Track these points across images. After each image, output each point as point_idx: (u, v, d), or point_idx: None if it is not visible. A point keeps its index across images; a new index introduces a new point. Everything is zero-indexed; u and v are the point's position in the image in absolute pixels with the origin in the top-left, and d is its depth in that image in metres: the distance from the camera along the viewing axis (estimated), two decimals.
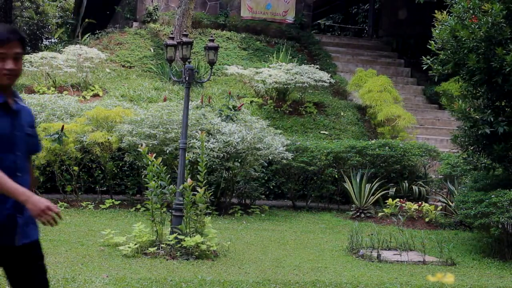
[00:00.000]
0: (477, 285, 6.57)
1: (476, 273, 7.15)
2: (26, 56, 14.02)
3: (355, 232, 8.03)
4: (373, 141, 11.72)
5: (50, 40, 32.71)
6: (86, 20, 20.45)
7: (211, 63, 8.20)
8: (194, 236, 7.15)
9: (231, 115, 11.09)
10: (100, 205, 10.05)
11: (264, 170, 11.23)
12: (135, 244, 7.10)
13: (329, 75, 14.46)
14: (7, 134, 3.21)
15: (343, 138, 13.10)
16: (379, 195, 10.85)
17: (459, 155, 9.66)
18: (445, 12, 8.21)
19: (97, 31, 18.10)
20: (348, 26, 30.08)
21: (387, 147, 11.37)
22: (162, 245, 7.17)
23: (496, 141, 7.90)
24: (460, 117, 8.29)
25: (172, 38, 8.48)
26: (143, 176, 9.31)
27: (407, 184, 11.32)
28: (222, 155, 9.85)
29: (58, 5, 29.99)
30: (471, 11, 7.75)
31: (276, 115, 13.71)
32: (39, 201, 3.10)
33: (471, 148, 8.37)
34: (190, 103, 9.91)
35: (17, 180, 3.18)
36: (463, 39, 7.64)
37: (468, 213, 7.97)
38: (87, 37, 17.89)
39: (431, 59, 8.29)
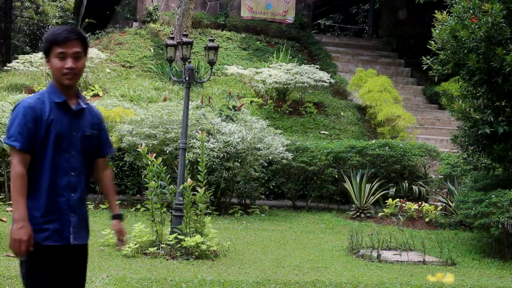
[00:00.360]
0: (477, 285, 6.57)
1: (476, 273, 7.15)
2: (26, 56, 14.06)
3: (355, 232, 8.02)
4: (373, 141, 11.72)
5: None
6: (86, 20, 20.46)
7: (211, 63, 8.20)
8: (194, 236, 7.15)
9: (231, 115, 11.09)
10: (100, 205, 10.04)
11: (264, 170, 11.23)
12: (135, 244, 7.10)
13: (329, 75, 14.47)
14: (64, 134, 3.24)
15: (343, 138, 13.10)
16: (379, 195, 10.85)
17: (459, 155, 9.66)
18: (445, 12, 8.21)
19: (97, 31, 18.12)
20: (348, 26, 30.11)
21: (387, 147, 11.37)
22: (162, 245, 7.17)
23: (496, 141, 7.89)
24: (460, 117, 8.28)
25: (172, 38, 8.48)
26: (143, 176, 9.31)
27: (407, 184, 11.31)
28: (222, 155, 9.85)
29: (58, 5, 29.99)
30: (471, 11, 7.75)
31: (276, 115, 13.71)
32: (19, 230, 3.11)
33: (471, 148, 8.37)
34: (190, 103, 9.91)
35: (70, 180, 3.25)
36: (463, 39, 7.64)
37: (468, 213, 7.97)
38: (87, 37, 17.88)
39: (431, 59, 8.29)
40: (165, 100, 11.87)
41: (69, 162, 3.25)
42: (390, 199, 10.54)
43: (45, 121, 3.20)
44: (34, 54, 14.14)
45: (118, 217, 3.58)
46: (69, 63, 3.21)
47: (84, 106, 3.35)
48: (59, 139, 3.22)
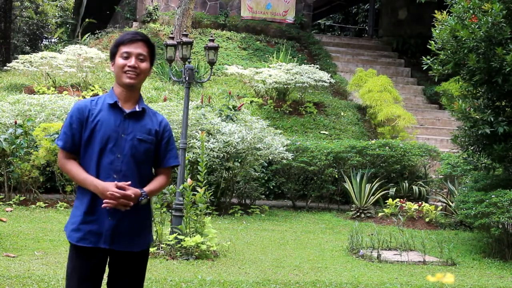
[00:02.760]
0: (477, 285, 6.56)
1: (476, 273, 7.15)
2: (26, 56, 14.06)
3: (355, 232, 8.02)
4: (373, 141, 11.72)
5: (50, 40, 32.73)
6: (86, 20, 20.46)
7: (211, 63, 8.20)
8: (194, 236, 7.14)
9: (231, 115, 11.09)
10: None
11: (264, 170, 11.23)
12: None
13: (329, 75, 14.48)
14: (111, 135, 3.26)
15: (343, 138, 13.10)
16: (379, 195, 10.84)
17: (459, 155, 9.66)
18: (445, 12, 8.20)
19: (97, 31, 18.11)
20: (348, 26, 30.12)
21: (387, 147, 11.37)
22: (162, 245, 7.17)
23: (496, 141, 7.89)
24: (460, 117, 8.28)
25: (172, 38, 8.47)
26: None
27: (407, 184, 11.31)
28: (222, 155, 9.85)
29: (58, 5, 29.99)
30: (471, 11, 7.74)
31: (276, 115, 13.72)
32: (103, 187, 3.17)
33: (471, 148, 8.36)
34: (190, 103, 9.91)
35: (111, 182, 3.21)
36: (463, 39, 7.64)
37: (468, 213, 7.96)
38: (87, 37, 17.90)
39: (431, 59, 8.28)
40: (165, 100, 11.86)
41: (112, 164, 3.25)
42: (390, 199, 10.54)
43: (91, 122, 3.27)
44: (34, 54, 14.13)
45: (142, 191, 3.25)
46: (132, 61, 3.28)
47: (138, 110, 3.34)
48: (105, 140, 3.24)
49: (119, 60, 3.30)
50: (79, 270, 3.28)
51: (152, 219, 7.15)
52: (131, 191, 3.19)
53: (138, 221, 3.33)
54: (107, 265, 3.37)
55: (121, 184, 3.18)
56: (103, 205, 3.16)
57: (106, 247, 3.24)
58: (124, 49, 3.29)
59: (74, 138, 3.28)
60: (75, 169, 3.27)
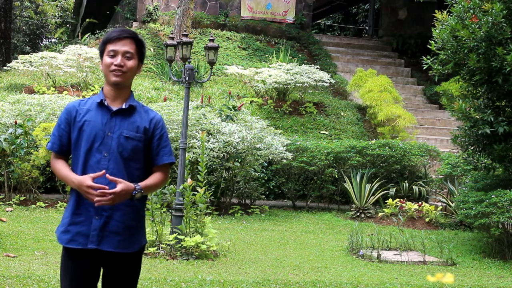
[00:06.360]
0: (477, 285, 6.56)
1: (476, 273, 7.14)
2: (26, 56, 14.06)
3: (355, 232, 8.02)
4: (373, 141, 11.72)
5: (50, 40, 32.72)
6: (87, 20, 20.45)
7: (211, 63, 8.20)
8: (194, 236, 7.14)
9: (231, 115, 11.09)
10: None
11: (264, 170, 11.23)
12: None
13: (329, 75, 14.48)
14: (97, 134, 3.23)
15: (343, 138, 13.10)
16: (379, 195, 10.84)
17: (459, 155, 9.66)
18: (445, 12, 8.20)
19: (97, 31, 18.11)
20: (348, 26, 30.12)
21: (387, 147, 11.37)
22: (162, 245, 7.17)
23: (496, 141, 7.89)
24: (460, 117, 8.28)
25: (172, 38, 8.47)
26: None
27: (407, 184, 11.31)
28: (222, 155, 9.85)
29: (58, 5, 29.98)
30: (471, 11, 7.74)
31: (276, 115, 13.72)
32: (78, 181, 3.12)
33: (471, 148, 8.36)
34: (190, 103, 9.91)
35: (98, 181, 3.15)
36: (463, 39, 7.64)
37: (468, 213, 7.96)
38: (87, 37, 17.90)
39: (431, 59, 8.28)
40: (165, 100, 11.86)
41: (99, 163, 3.21)
42: (390, 199, 10.54)
43: (78, 122, 3.26)
44: (34, 54, 14.12)
45: (136, 186, 3.19)
46: (118, 60, 3.23)
47: (125, 107, 3.28)
48: (91, 139, 3.23)
49: (106, 59, 3.25)
50: (71, 272, 3.26)
51: (151, 219, 7.21)
52: (121, 186, 3.11)
53: (128, 221, 3.26)
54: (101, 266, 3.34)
55: (95, 174, 3.11)
56: (96, 204, 3.09)
57: (94, 247, 3.19)
58: (110, 47, 3.24)
59: (62, 139, 3.28)
60: (60, 167, 3.26)
